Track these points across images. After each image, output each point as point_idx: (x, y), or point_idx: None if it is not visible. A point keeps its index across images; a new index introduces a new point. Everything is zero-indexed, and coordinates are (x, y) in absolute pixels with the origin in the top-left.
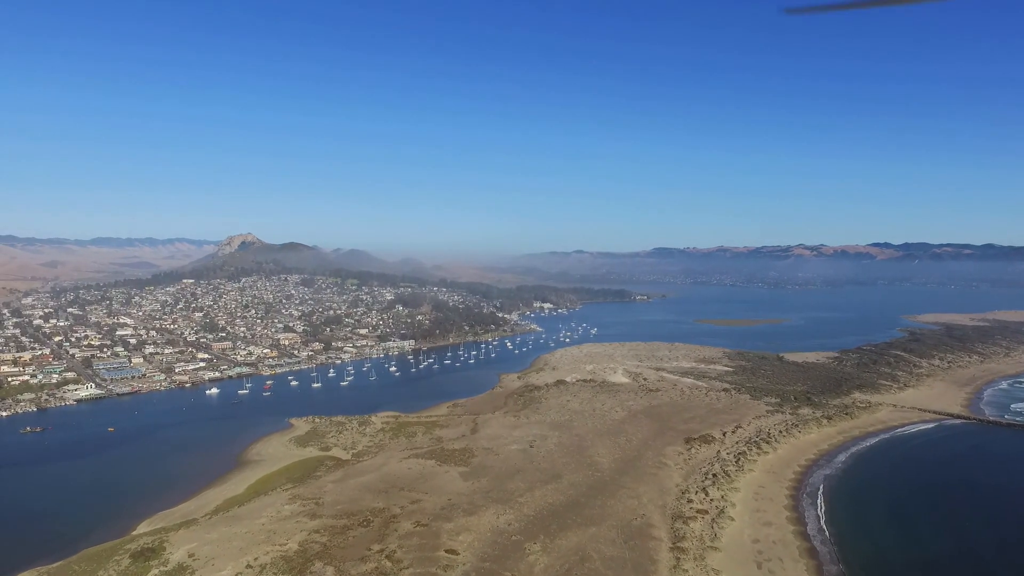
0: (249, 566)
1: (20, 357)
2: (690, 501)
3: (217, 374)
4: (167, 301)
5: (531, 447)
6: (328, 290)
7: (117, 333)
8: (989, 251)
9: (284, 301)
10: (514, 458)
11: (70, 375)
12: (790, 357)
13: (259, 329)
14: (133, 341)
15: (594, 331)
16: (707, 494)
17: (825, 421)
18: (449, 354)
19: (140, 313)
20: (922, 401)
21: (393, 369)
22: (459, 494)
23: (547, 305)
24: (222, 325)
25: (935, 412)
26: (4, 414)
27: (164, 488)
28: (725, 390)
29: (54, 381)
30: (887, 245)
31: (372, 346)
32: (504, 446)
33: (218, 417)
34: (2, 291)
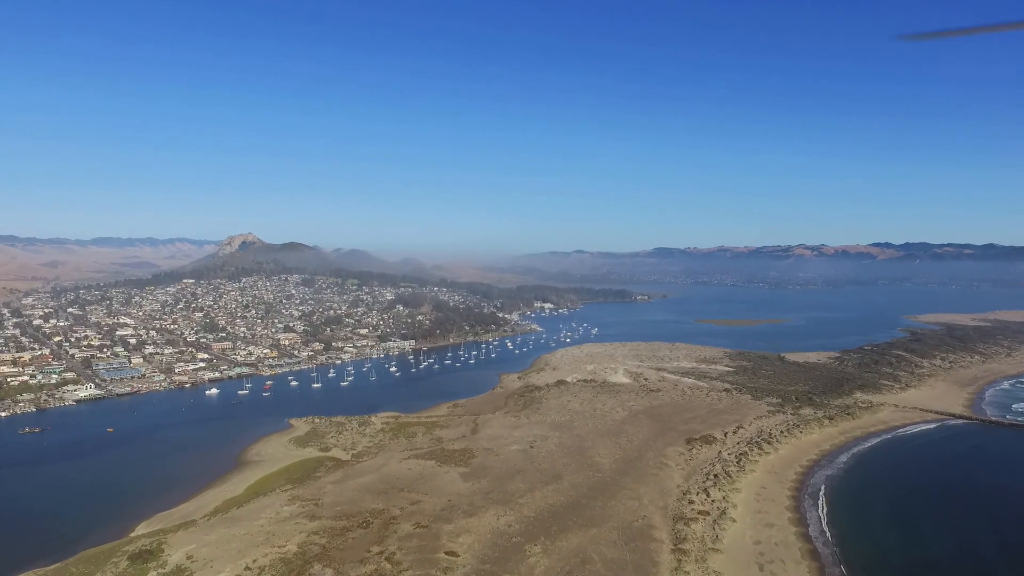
0: (248, 568)
1: (20, 357)
2: (691, 502)
3: (217, 374)
4: (167, 301)
5: (531, 448)
6: (328, 290)
7: (117, 333)
8: (990, 251)
9: (284, 301)
10: (514, 459)
11: (69, 375)
12: (791, 357)
13: (259, 329)
14: (133, 341)
15: (595, 331)
16: (708, 495)
17: (827, 421)
18: (449, 354)
19: (140, 313)
20: (924, 401)
21: (393, 369)
22: (459, 495)
23: (547, 305)
24: (222, 325)
25: (937, 412)
26: (3, 414)
27: (163, 489)
28: (726, 390)
29: (53, 381)
30: (888, 245)
31: (372, 346)
32: (504, 447)
33: (217, 417)
34: (2, 291)
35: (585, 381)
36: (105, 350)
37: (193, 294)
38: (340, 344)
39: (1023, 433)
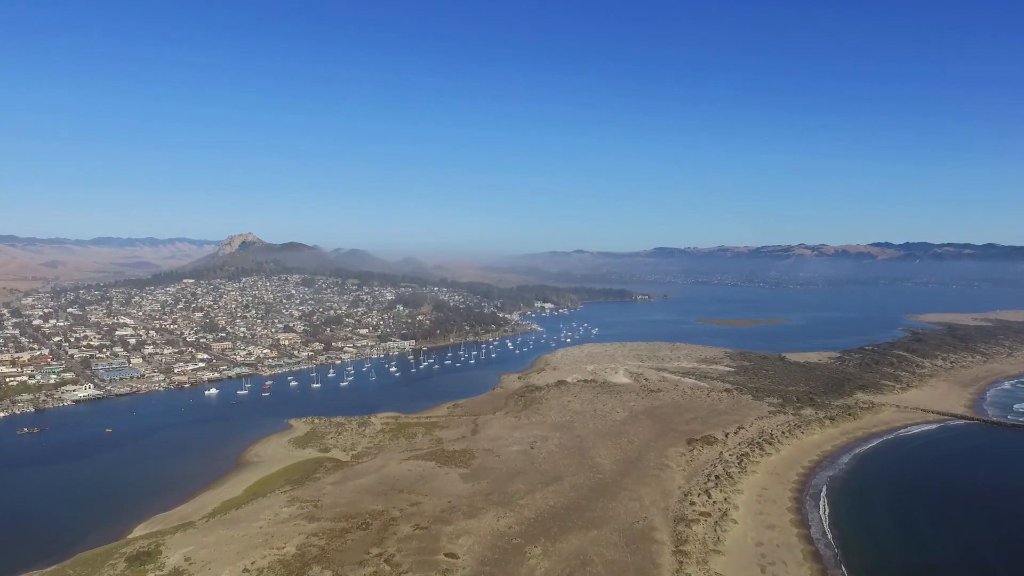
0: (246, 570)
1: (19, 357)
2: (692, 503)
3: (216, 374)
4: (167, 301)
5: (532, 448)
6: (328, 290)
7: (116, 333)
8: (990, 251)
9: (284, 301)
10: (515, 459)
11: (69, 376)
12: (792, 357)
13: (259, 329)
14: (132, 341)
15: (595, 331)
16: (710, 496)
17: (828, 422)
18: (449, 354)
19: (140, 313)
20: (925, 401)
21: (393, 369)
22: (459, 496)
23: (548, 305)
24: (222, 325)
25: (938, 413)
26: (2, 415)
27: (161, 490)
28: (727, 390)
29: (52, 382)
30: (888, 245)
31: (372, 346)
32: (505, 447)
33: (217, 418)
34: (2, 291)
35: (585, 381)
36: (104, 350)
37: (193, 294)
38: (340, 344)
39: None
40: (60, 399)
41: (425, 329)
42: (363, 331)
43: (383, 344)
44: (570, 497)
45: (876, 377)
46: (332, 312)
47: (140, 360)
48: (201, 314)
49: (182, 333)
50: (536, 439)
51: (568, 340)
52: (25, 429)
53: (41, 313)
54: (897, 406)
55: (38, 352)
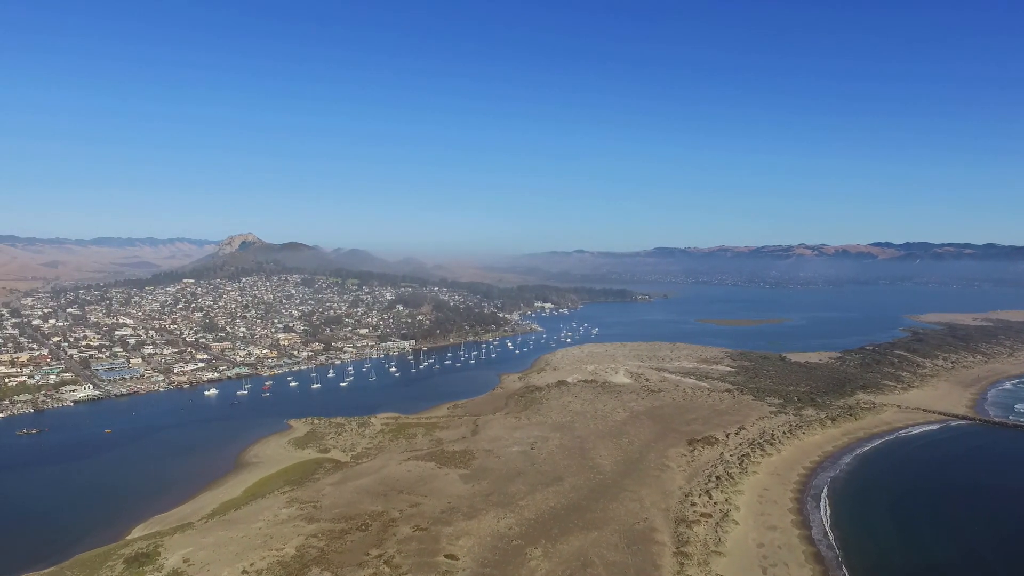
0: (245, 572)
1: (18, 358)
2: (693, 504)
3: (216, 375)
4: (167, 301)
5: (532, 449)
6: (328, 290)
7: (116, 333)
8: (991, 250)
9: (284, 301)
10: (515, 460)
11: (68, 376)
12: (793, 357)
13: (259, 329)
14: (132, 341)
15: (595, 331)
16: (711, 497)
17: (829, 422)
18: (449, 354)
19: (140, 313)
20: (926, 402)
21: (393, 369)
22: (459, 497)
23: (548, 305)
24: (222, 325)
25: (940, 413)
26: (1, 415)
27: (160, 491)
28: (728, 391)
29: (51, 382)
30: (888, 244)
31: (372, 346)
32: (505, 448)
33: (216, 418)
34: (2, 291)
35: (586, 381)
36: (104, 350)
37: (193, 294)
38: (340, 344)
39: None
40: (59, 399)
41: (425, 329)
42: (363, 331)
43: (383, 344)
44: (570, 498)
45: (877, 377)
46: (332, 312)
47: (139, 360)
48: (201, 314)
49: (182, 333)
50: (536, 440)
51: (568, 340)
52: (24, 430)
53: (41, 313)
54: (898, 406)
55: (37, 352)
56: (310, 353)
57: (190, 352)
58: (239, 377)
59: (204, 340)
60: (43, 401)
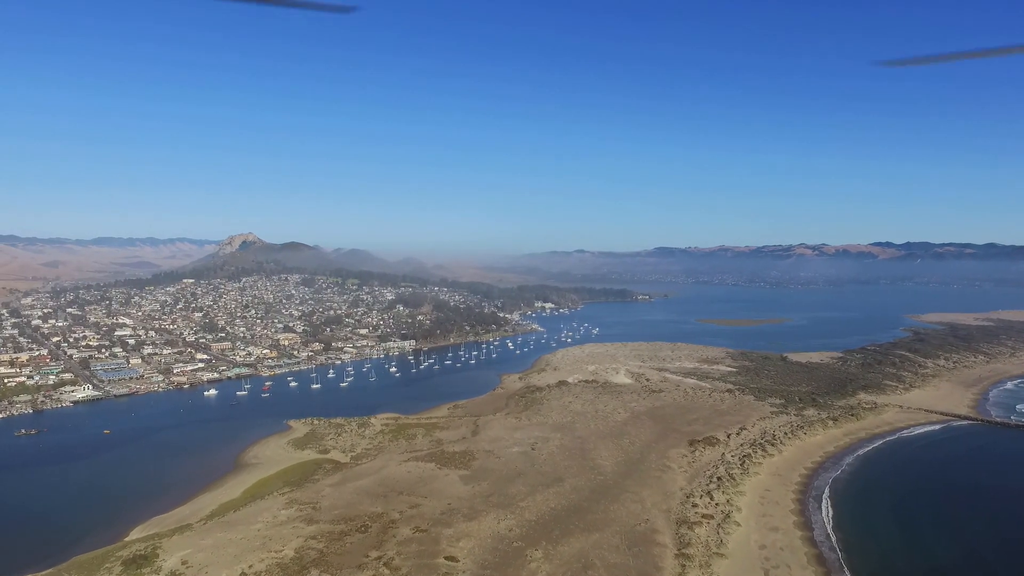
0: (244, 574)
1: (17, 358)
2: (695, 505)
3: (216, 375)
4: (167, 301)
5: (533, 449)
6: (328, 290)
7: (116, 334)
8: (991, 250)
9: (284, 301)
10: (515, 461)
11: (67, 376)
12: (794, 357)
13: (259, 329)
14: (132, 342)
15: (596, 331)
16: (712, 498)
17: (831, 422)
18: (450, 354)
19: (139, 313)
20: (928, 402)
21: (393, 370)
22: (459, 498)
23: (548, 305)
24: (221, 325)
25: (942, 413)
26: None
27: (159, 492)
28: (729, 391)
29: (51, 382)
30: (889, 244)
31: (372, 346)
32: (505, 448)
33: (216, 419)
34: (2, 291)
35: (586, 382)
36: (103, 351)
37: (193, 294)
38: (340, 344)
39: None
40: (58, 400)
41: (425, 329)
42: (363, 331)
43: (383, 344)
44: (571, 499)
45: (879, 377)
46: (332, 312)
47: (139, 360)
48: (201, 314)
49: (181, 333)
50: (537, 440)
51: (569, 340)
52: (23, 430)
53: (40, 313)
54: (900, 406)
55: (37, 353)
56: (310, 353)
57: (190, 352)
58: (239, 377)
59: (204, 340)
60: (42, 401)
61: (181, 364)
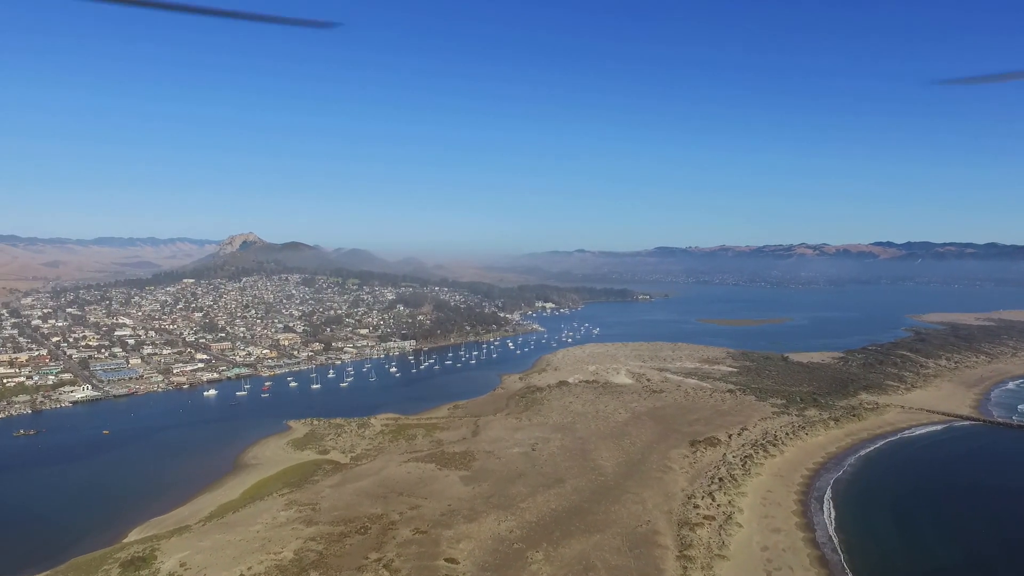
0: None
1: (16, 358)
2: (696, 507)
3: (215, 375)
4: (167, 301)
5: (533, 450)
6: (329, 290)
7: (116, 334)
8: (992, 250)
9: (285, 301)
10: (516, 462)
11: (66, 376)
12: (795, 357)
13: (259, 329)
14: (132, 342)
15: (596, 331)
16: (714, 499)
17: (832, 423)
18: (450, 354)
19: (139, 313)
20: (930, 402)
21: (393, 370)
22: (459, 499)
23: (549, 305)
24: (221, 325)
25: (944, 413)
26: None
27: (158, 493)
28: (730, 391)
29: (50, 382)
30: (890, 244)
31: (372, 346)
32: (506, 449)
33: (215, 419)
34: (2, 291)
35: (587, 382)
36: (103, 351)
37: (193, 294)
38: (340, 344)
39: None
40: (57, 400)
41: (426, 329)
42: (363, 331)
43: (383, 344)
44: (572, 500)
45: (880, 377)
46: (332, 312)
47: (139, 361)
48: (201, 314)
49: (181, 333)
50: (537, 440)
51: (569, 340)
52: (21, 431)
53: (40, 313)
54: (902, 407)
55: (36, 353)
56: (310, 353)
57: (190, 352)
58: (239, 377)
59: (204, 340)
60: (41, 402)
61: (181, 364)
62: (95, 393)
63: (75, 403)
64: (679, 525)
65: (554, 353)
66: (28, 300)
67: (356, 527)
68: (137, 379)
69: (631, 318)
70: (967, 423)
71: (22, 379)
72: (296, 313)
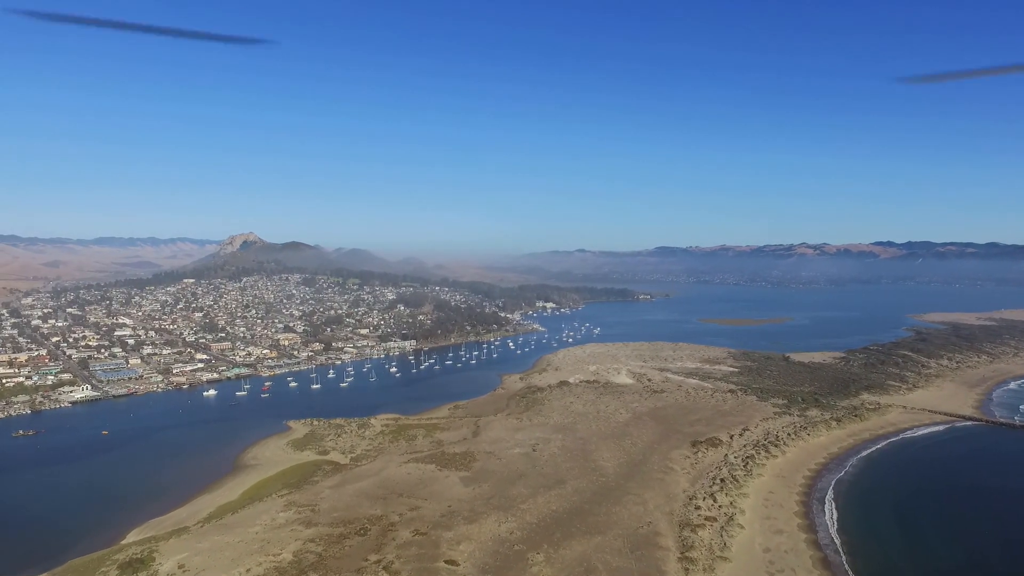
0: None
1: (16, 358)
2: (698, 508)
3: (215, 375)
4: (167, 301)
5: (534, 451)
6: (329, 290)
7: (115, 334)
8: (993, 249)
9: (285, 301)
10: (516, 462)
11: (66, 376)
12: (796, 357)
13: (259, 329)
14: (131, 342)
15: (597, 331)
16: (715, 500)
17: (834, 423)
18: (450, 354)
19: (140, 313)
20: (932, 402)
21: (393, 370)
22: (459, 500)
23: (549, 305)
24: (221, 325)
25: (946, 414)
26: None
27: (156, 494)
28: (731, 391)
29: (49, 383)
30: (890, 244)
31: (373, 346)
32: (506, 450)
33: (215, 419)
34: (3, 291)
35: (588, 382)
36: (103, 351)
37: (193, 294)
38: (340, 344)
39: None
40: (57, 400)
41: (426, 329)
42: (363, 331)
43: (384, 344)
44: (573, 501)
45: (882, 377)
46: (332, 312)
47: (138, 361)
48: (201, 314)
49: (181, 333)
50: (538, 441)
51: (570, 340)
52: (20, 431)
53: (40, 313)
54: (904, 407)
55: (36, 353)
56: (310, 353)
57: (189, 352)
58: (238, 378)
59: (204, 340)
60: (40, 402)
61: (180, 364)
62: (94, 393)
63: (74, 403)
64: (680, 526)
65: (555, 353)
66: (28, 300)
67: (356, 528)
68: (137, 379)
69: (632, 318)
70: (969, 423)
71: (21, 379)
72: (296, 313)
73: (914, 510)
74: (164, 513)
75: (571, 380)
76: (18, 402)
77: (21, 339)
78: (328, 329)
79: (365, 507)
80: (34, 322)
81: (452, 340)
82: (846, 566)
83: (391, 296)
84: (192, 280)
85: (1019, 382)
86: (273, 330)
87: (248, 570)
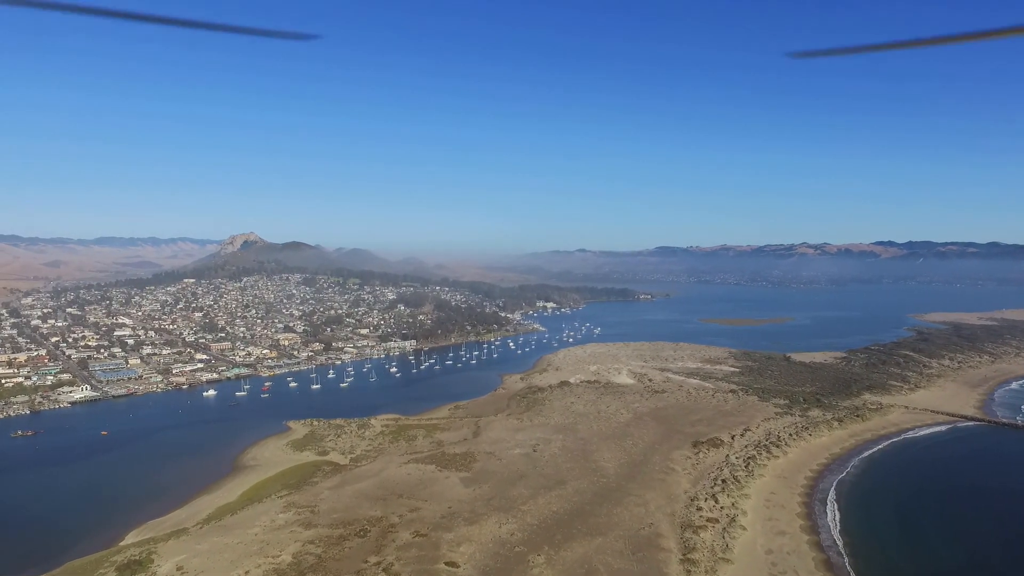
0: None
1: (15, 358)
2: (699, 509)
3: (215, 375)
4: (167, 301)
5: (534, 451)
6: (330, 289)
7: (115, 334)
8: (994, 249)
9: (285, 301)
10: (517, 463)
11: (65, 377)
12: (797, 357)
13: (259, 329)
14: (131, 342)
15: (598, 331)
16: (717, 501)
17: (836, 423)
18: (451, 354)
19: (139, 313)
20: (934, 402)
21: (394, 370)
22: (460, 501)
23: (550, 304)
24: (222, 325)
25: (948, 414)
26: None
27: (155, 495)
28: (732, 391)
29: (48, 383)
30: (891, 243)
31: (373, 346)
32: (507, 450)
33: (214, 420)
34: (3, 291)
35: (588, 382)
36: (103, 351)
37: (193, 294)
38: (340, 344)
39: None
40: (56, 401)
41: (426, 329)
42: (364, 331)
43: (384, 344)
44: (574, 502)
45: (883, 377)
46: (333, 312)
47: (138, 361)
48: (201, 314)
49: (181, 333)
50: (539, 441)
51: (570, 340)
52: (19, 432)
53: (40, 313)
54: (905, 407)
55: (35, 353)
56: (310, 353)
57: (189, 352)
58: (238, 378)
59: (204, 340)
60: (39, 402)
61: (180, 364)
62: (94, 393)
63: (74, 403)
64: (682, 528)
65: (555, 353)
66: (28, 300)
67: (355, 530)
68: (136, 379)
69: (632, 318)
70: (971, 424)
71: (20, 379)
72: (296, 313)
73: (916, 511)
74: (163, 514)
75: (572, 380)
76: (17, 402)
77: (20, 339)
78: (328, 329)
79: (365, 508)
80: (33, 322)
81: (452, 340)
82: (849, 568)
83: (391, 296)
84: (192, 280)
85: (1021, 382)
86: (273, 330)
87: (247, 572)
